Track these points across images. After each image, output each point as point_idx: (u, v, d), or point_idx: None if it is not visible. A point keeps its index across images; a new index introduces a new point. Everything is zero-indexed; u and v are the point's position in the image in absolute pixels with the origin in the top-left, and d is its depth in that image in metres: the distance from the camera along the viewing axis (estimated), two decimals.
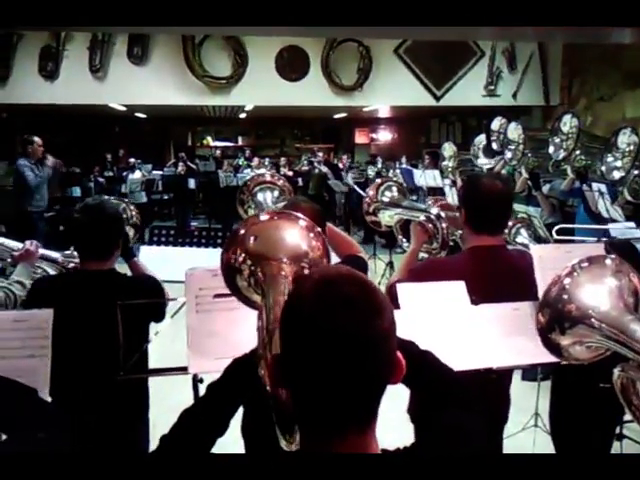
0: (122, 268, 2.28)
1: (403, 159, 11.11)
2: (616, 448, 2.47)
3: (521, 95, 9.30)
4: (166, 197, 11.49)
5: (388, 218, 2.92)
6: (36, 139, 6.96)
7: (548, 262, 1.80)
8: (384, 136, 16.25)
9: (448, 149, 7.27)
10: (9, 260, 2.51)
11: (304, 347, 0.82)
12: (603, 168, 4.65)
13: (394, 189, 2.97)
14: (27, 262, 2.40)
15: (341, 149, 15.97)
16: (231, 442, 1.33)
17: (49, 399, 1.82)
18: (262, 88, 8.66)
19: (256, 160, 12.07)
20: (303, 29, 5.47)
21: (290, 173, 11.23)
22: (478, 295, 1.80)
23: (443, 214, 2.47)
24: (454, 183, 6.65)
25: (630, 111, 7.63)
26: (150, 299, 2.12)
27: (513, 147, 5.34)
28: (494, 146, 5.83)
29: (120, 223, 2.25)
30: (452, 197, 5.86)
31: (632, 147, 4.58)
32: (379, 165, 11.33)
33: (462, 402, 1.07)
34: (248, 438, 1.76)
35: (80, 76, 8.21)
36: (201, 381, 1.81)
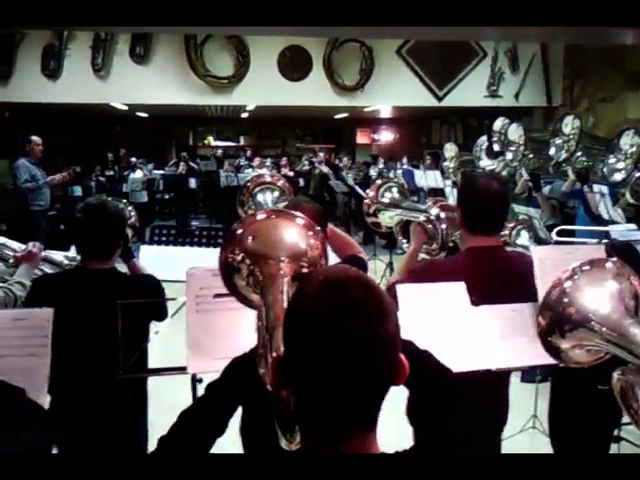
0: (121, 269, 2.28)
1: (404, 159, 11.10)
2: (614, 450, 2.47)
3: (523, 96, 9.30)
4: (167, 197, 11.49)
5: (388, 219, 2.92)
6: (34, 138, 6.95)
7: (548, 264, 1.80)
8: (385, 136, 16.25)
9: (449, 150, 7.28)
10: (11, 261, 2.51)
11: (310, 349, 0.81)
12: (605, 169, 4.64)
13: (394, 190, 2.97)
14: (29, 263, 2.41)
15: (342, 149, 15.97)
16: (230, 442, 1.33)
17: (48, 397, 1.82)
18: (264, 88, 8.66)
19: (257, 160, 12.07)
20: (305, 29, 5.48)
21: (291, 173, 11.22)
22: (476, 296, 1.80)
23: (443, 215, 2.47)
24: (455, 184, 6.66)
25: (632, 112, 7.62)
26: (151, 298, 2.12)
27: (514, 148, 5.33)
28: (495, 147, 5.82)
29: (122, 222, 2.26)
30: (453, 198, 5.86)
31: (635, 149, 4.58)
32: (380, 165, 11.32)
33: (461, 402, 1.07)
34: (247, 438, 1.76)
35: (82, 75, 8.23)
36: (200, 381, 1.81)
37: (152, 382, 2.20)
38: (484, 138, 6.29)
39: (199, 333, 1.76)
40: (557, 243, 3.48)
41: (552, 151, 4.98)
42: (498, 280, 1.88)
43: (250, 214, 1.32)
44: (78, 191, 9.62)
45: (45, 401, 1.75)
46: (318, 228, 1.23)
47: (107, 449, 2.04)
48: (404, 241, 2.85)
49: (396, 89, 9.12)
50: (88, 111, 10.58)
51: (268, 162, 12.17)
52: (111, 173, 11.56)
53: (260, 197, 2.71)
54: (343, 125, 15.66)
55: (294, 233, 1.21)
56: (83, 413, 2.05)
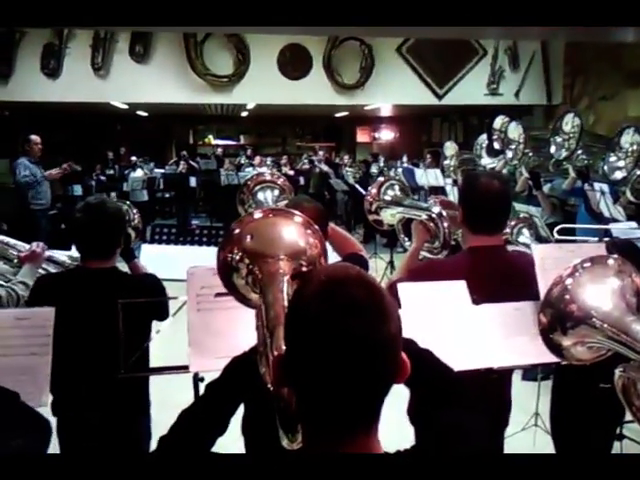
0: (122, 268, 2.28)
1: (404, 158, 11.10)
2: (616, 448, 2.47)
3: (523, 94, 9.30)
4: (167, 195, 11.49)
5: (390, 217, 2.92)
6: (33, 137, 6.94)
7: (549, 262, 1.80)
8: (386, 135, 16.24)
9: (450, 148, 7.27)
10: (15, 261, 2.52)
11: (311, 348, 0.81)
12: (605, 168, 4.64)
13: (396, 188, 2.96)
14: (33, 263, 2.41)
15: (343, 148, 15.97)
16: (231, 442, 1.33)
17: (50, 397, 1.83)
18: (264, 86, 8.66)
19: (258, 159, 12.07)
20: (305, 28, 5.47)
21: (291, 172, 11.22)
22: (477, 295, 1.80)
23: (445, 213, 2.46)
24: (455, 182, 6.65)
25: (632, 110, 7.61)
26: (152, 297, 2.12)
27: (514, 147, 5.33)
28: (495, 145, 5.82)
29: (122, 222, 2.25)
30: (454, 196, 5.85)
31: (635, 147, 4.57)
32: (381, 164, 11.32)
33: (462, 401, 1.07)
34: (249, 437, 1.76)
35: (82, 74, 8.22)
36: (202, 380, 1.81)
37: (154, 381, 2.19)
38: (484, 136, 6.29)
39: (200, 332, 1.76)
40: (558, 241, 3.48)
41: (552, 149, 4.98)
42: (499, 279, 1.87)
43: (247, 213, 1.31)
44: (78, 190, 9.63)
45: (47, 400, 1.75)
46: (316, 227, 1.23)
47: (109, 448, 2.04)
48: (406, 239, 2.85)
49: (396, 87, 9.11)
50: (88, 110, 10.58)
51: (268, 161, 12.16)
52: (111, 172, 11.57)
53: (260, 195, 2.71)
54: (343, 123, 15.65)
55: (292, 231, 1.20)
56: (85, 412, 2.06)
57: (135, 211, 2.79)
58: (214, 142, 16.21)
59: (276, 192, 2.73)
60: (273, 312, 1.08)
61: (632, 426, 2.87)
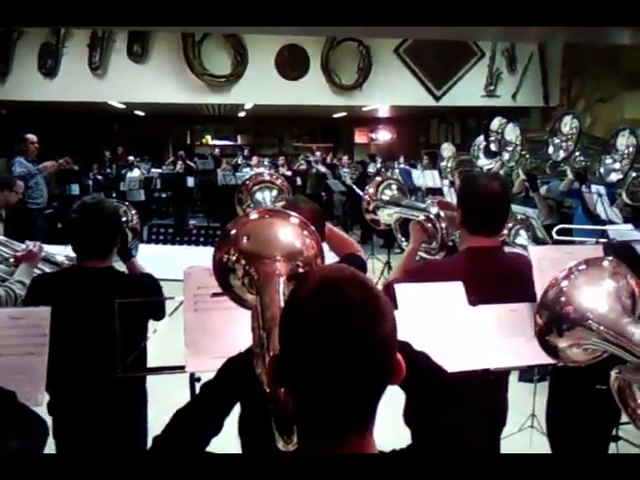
0: (119, 268, 2.28)
1: (401, 159, 11.10)
2: (612, 450, 2.48)
3: (521, 96, 9.32)
4: (164, 195, 11.47)
5: (387, 217, 2.91)
6: (29, 136, 6.92)
7: (546, 264, 1.80)
8: (383, 136, 16.25)
9: (447, 149, 7.27)
10: (12, 260, 2.51)
11: (307, 349, 0.81)
12: (601, 170, 4.65)
13: (394, 187, 2.96)
14: (29, 263, 2.41)
15: (340, 148, 15.98)
16: (228, 442, 1.33)
17: (46, 396, 1.82)
18: (262, 87, 8.66)
19: (255, 159, 12.06)
20: (303, 28, 5.47)
21: (288, 172, 11.21)
22: (474, 296, 1.80)
23: (442, 214, 2.47)
24: (452, 184, 6.65)
25: (629, 112, 7.64)
26: (148, 297, 2.12)
27: (511, 148, 5.34)
28: (492, 147, 5.83)
29: (118, 221, 2.25)
30: (451, 198, 5.85)
31: (631, 149, 4.58)
32: (378, 165, 11.32)
33: (458, 402, 1.07)
34: (245, 438, 1.76)
35: (79, 73, 8.22)
36: (198, 380, 1.81)
37: (151, 381, 2.19)
38: (481, 138, 6.29)
39: (197, 332, 1.76)
40: (557, 242, 3.48)
41: (550, 151, 4.98)
42: (496, 281, 1.88)
43: (243, 214, 1.31)
44: (76, 190, 9.60)
45: (43, 399, 1.75)
46: (313, 228, 1.23)
47: (106, 448, 2.03)
48: (403, 239, 2.85)
49: (394, 88, 9.13)
50: (85, 109, 10.57)
51: (266, 161, 12.17)
52: (108, 171, 11.55)
53: (259, 195, 2.71)
54: (341, 124, 15.67)
55: (289, 232, 1.20)
56: (81, 412, 2.05)
57: (134, 212, 2.78)
58: (211, 142, 16.22)
59: (274, 192, 2.73)
60: (269, 313, 1.07)
61: (628, 428, 2.87)
